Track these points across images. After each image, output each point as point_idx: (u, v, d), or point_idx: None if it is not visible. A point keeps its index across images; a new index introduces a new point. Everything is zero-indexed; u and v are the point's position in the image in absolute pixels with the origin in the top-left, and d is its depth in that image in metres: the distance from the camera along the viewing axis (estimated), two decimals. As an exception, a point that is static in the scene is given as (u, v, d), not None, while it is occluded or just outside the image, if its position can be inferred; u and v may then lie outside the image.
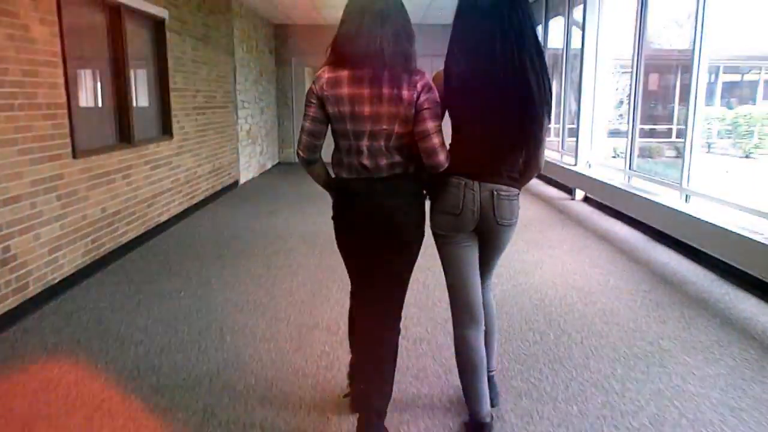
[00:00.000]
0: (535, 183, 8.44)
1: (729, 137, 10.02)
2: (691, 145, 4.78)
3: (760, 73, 10.90)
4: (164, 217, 5.58)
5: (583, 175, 6.83)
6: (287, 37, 11.03)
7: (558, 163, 7.87)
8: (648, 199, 5.22)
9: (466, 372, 2.17)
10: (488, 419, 2.16)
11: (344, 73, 1.90)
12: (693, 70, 4.69)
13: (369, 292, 2.16)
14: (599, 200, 6.50)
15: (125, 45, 4.74)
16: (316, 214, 6.23)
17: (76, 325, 3.29)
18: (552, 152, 8.50)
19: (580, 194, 7.20)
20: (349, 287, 2.31)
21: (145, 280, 4.10)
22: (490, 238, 2.13)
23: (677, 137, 7.62)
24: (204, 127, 6.86)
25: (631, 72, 5.76)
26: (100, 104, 4.65)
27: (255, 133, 9.45)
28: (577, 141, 7.11)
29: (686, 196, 4.89)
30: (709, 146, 9.23)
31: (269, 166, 10.55)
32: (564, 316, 3.44)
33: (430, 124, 1.91)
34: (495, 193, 2.01)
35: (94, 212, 4.26)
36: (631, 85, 5.78)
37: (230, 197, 7.54)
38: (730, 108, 10.30)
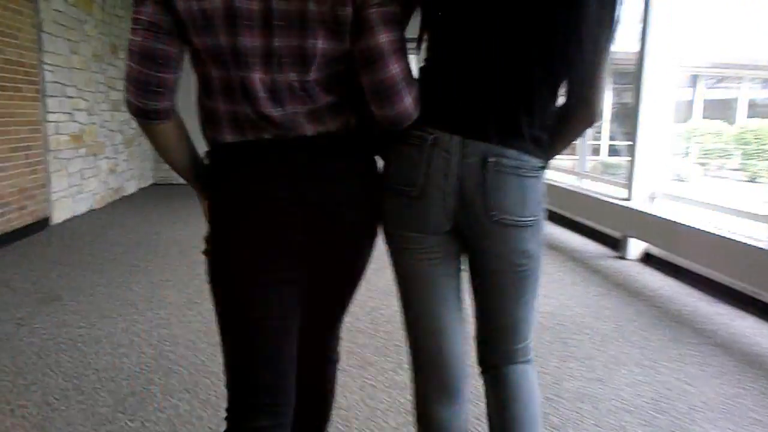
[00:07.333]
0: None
1: None
2: None
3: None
4: None
5: (651, 216, 3.84)
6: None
7: (581, 193, 4.89)
8: None
9: None
10: None
11: None
12: None
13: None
14: (700, 266, 3.50)
15: None
16: (149, 301, 2.89)
17: None
18: (561, 174, 5.54)
19: (635, 248, 4.20)
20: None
21: None
22: (479, 254, 1.08)
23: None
24: None
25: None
26: None
27: (96, 138, 5.92)
28: (633, 161, 4.11)
29: None
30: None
31: (132, 190, 6.99)
32: None
33: (383, 37, 0.93)
34: (490, 162, 0.98)
35: None
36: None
37: (8, 252, 4.03)
38: None
